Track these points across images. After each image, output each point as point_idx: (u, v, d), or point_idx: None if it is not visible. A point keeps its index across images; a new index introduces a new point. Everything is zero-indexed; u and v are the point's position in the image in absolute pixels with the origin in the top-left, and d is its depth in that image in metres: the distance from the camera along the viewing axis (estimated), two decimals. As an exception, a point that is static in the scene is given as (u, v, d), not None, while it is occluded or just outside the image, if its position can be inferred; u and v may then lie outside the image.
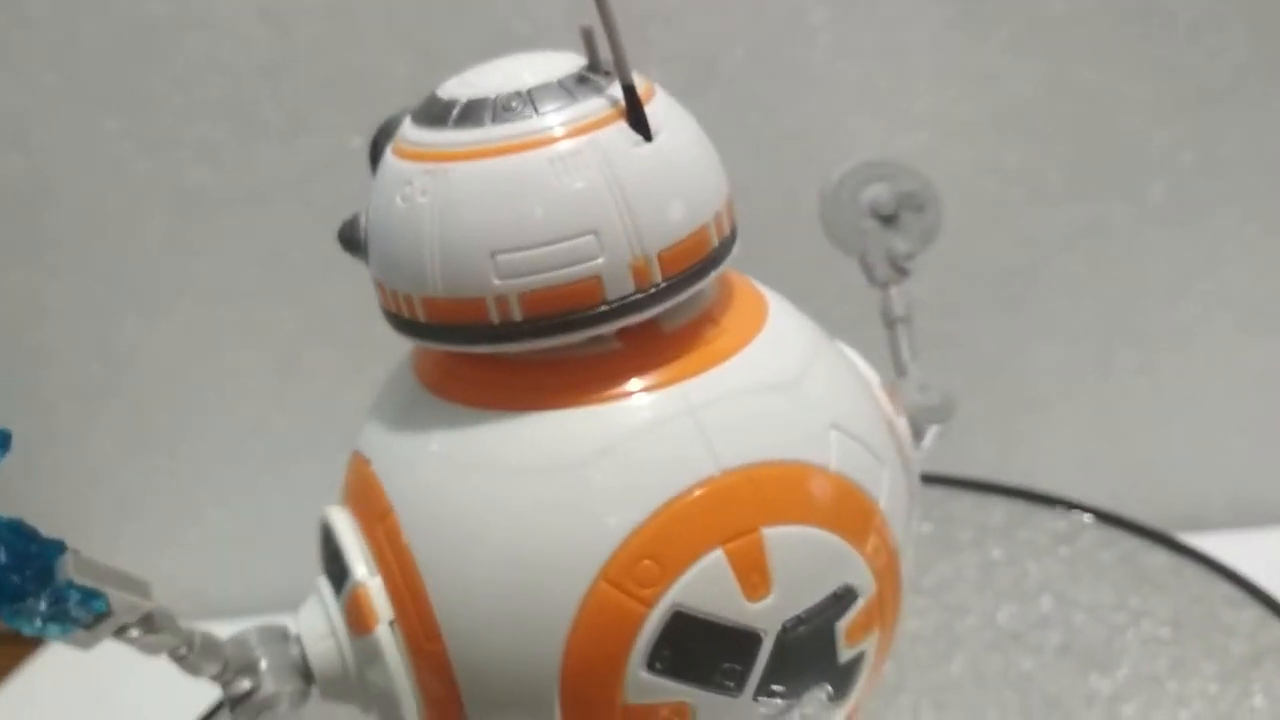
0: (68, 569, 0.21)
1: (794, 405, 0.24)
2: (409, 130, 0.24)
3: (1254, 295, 0.50)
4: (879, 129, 0.47)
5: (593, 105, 0.23)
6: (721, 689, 0.23)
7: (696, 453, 0.23)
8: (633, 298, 0.23)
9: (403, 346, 0.26)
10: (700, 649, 0.23)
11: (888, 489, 0.25)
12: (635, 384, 0.23)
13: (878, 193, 0.32)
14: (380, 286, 0.24)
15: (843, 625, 0.24)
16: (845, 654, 0.24)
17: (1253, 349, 0.51)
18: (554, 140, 0.22)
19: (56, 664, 0.56)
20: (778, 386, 0.24)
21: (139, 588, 0.22)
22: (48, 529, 0.21)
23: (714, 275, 0.24)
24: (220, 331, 0.52)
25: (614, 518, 0.22)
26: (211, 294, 0.52)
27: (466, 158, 0.22)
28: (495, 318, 0.23)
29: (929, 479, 0.30)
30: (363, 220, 0.25)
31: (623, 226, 0.22)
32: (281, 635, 0.25)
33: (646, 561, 0.22)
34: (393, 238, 0.23)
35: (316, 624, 0.25)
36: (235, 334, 0.52)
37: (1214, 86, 0.46)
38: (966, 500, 0.44)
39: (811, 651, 0.24)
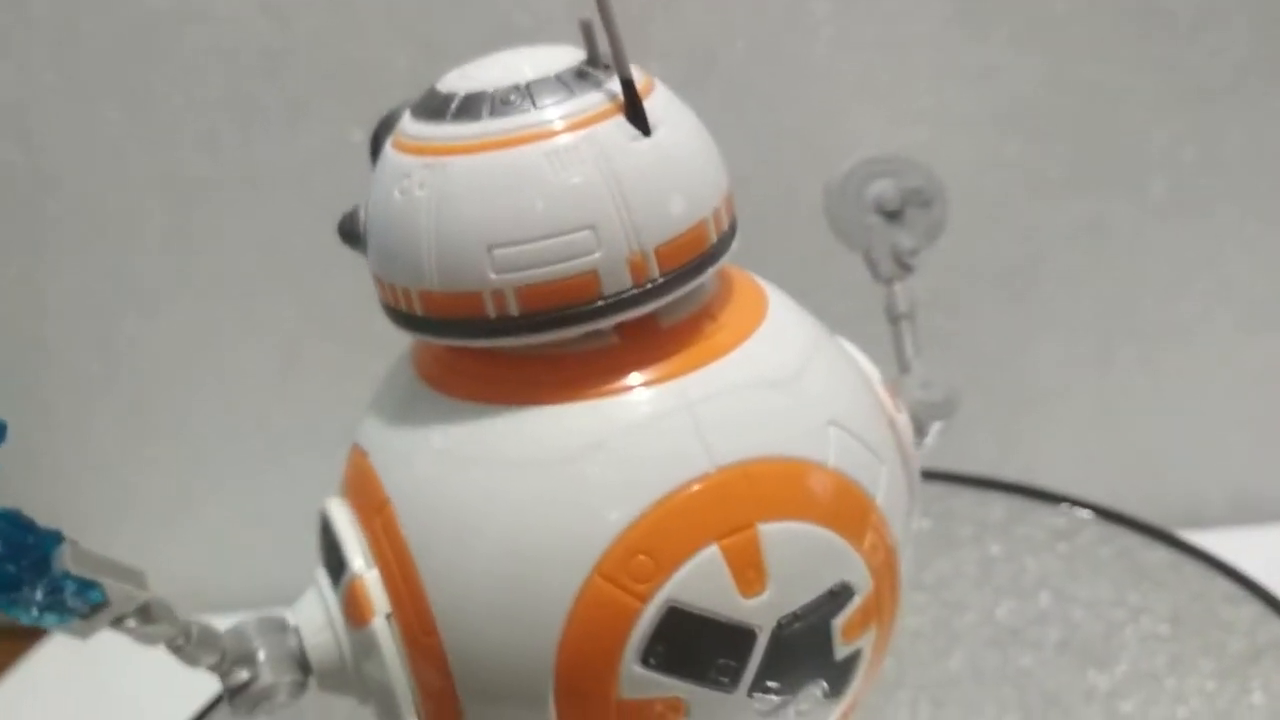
0: (64, 559, 0.21)
1: (792, 401, 0.24)
2: (408, 124, 0.24)
3: (1254, 292, 0.50)
4: (880, 124, 0.47)
5: (591, 99, 0.23)
6: (716, 685, 0.23)
7: (692, 448, 0.23)
8: (630, 293, 0.23)
9: (403, 340, 0.26)
10: (695, 644, 0.23)
11: (886, 486, 0.25)
12: (632, 379, 0.23)
13: (883, 188, 0.32)
14: (379, 280, 0.24)
15: (839, 622, 0.24)
16: (841, 651, 0.24)
17: (1253, 346, 0.51)
18: (551, 134, 0.22)
19: (57, 657, 0.56)
20: (776, 382, 0.24)
21: (135, 578, 0.22)
22: (46, 521, 0.21)
23: (712, 270, 0.24)
24: (220, 324, 0.53)
25: (609, 513, 0.22)
26: (211, 287, 0.52)
27: (464, 151, 0.22)
28: (492, 312, 0.23)
29: (928, 475, 0.30)
30: (362, 213, 0.25)
31: (620, 221, 0.22)
32: (280, 626, 0.25)
33: (641, 556, 0.22)
34: (391, 231, 0.23)
35: (314, 615, 0.25)
36: (235, 327, 0.53)
37: (1215, 84, 0.46)
38: (966, 496, 0.44)
39: (807, 648, 0.24)
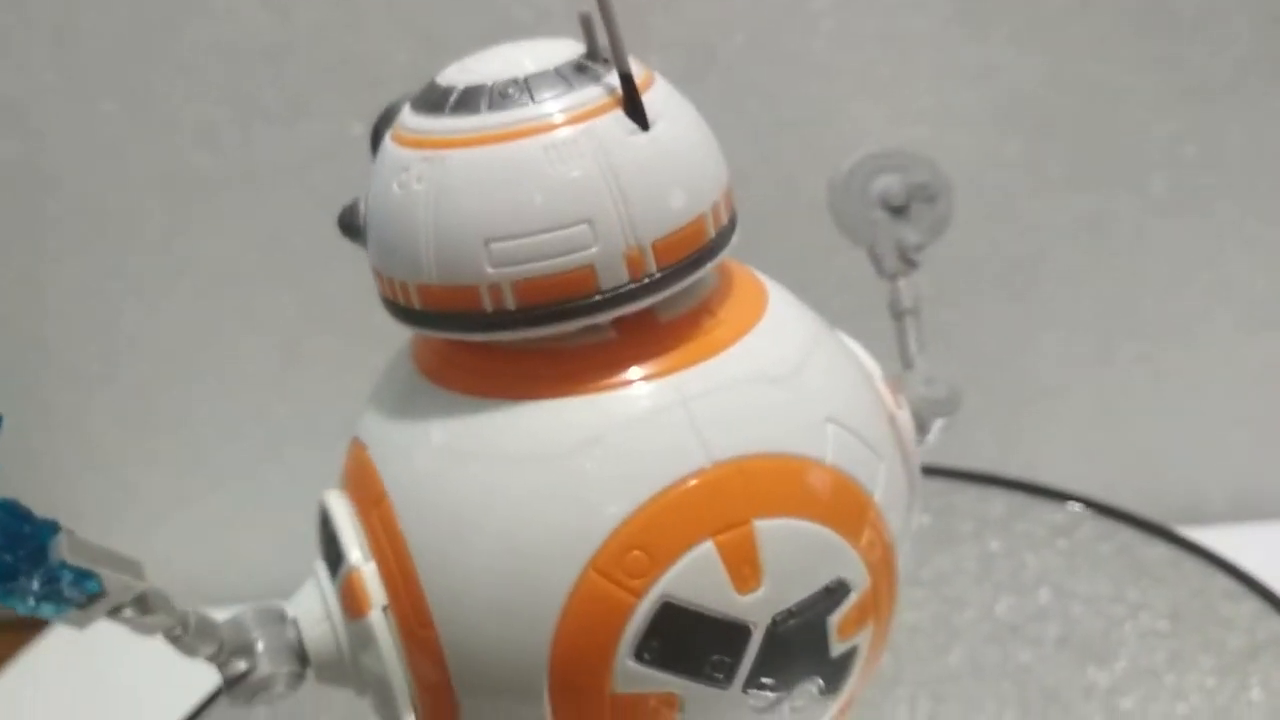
0: (61, 549, 0.21)
1: (790, 397, 0.24)
2: (407, 117, 0.24)
3: (1254, 290, 0.50)
4: (880, 118, 0.47)
5: (590, 93, 0.23)
6: (710, 680, 0.23)
7: (689, 444, 0.23)
8: (627, 288, 0.23)
9: (403, 334, 0.26)
10: (689, 640, 0.23)
11: (884, 483, 0.25)
12: (629, 374, 0.23)
13: (889, 183, 0.32)
14: (378, 273, 0.24)
15: (835, 619, 0.24)
16: (837, 648, 0.24)
17: (1252, 343, 0.50)
18: (549, 128, 0.22)
19: (58, 649, 0.56)
20: (774, 378, 0.24)
21: (132, 568, 0.22)
22: (45, 513, 0.21)
23: (711, 265, 0.24)
24: (220, 318, 0.53)
25: (604, 508, 0.22)
26: (211, 281, 0.52)
27: (462, 145, 0.22)
28: (489, 305, 0.23)
29: (929, 471, 0.30)
30: (362, 206, 0.25)
31: (617, 216, 0.22)
32: (278, 617, 0.26)
33: (636, 552, 0.22)
34: (389, 224, 0.23)
35: (313, 607, 0.25)
36: (235, 321, 0.53)
37: (1215, 82, 0.46)
38: (966, 492, 0.44)
39: (802, 645, 0.24)
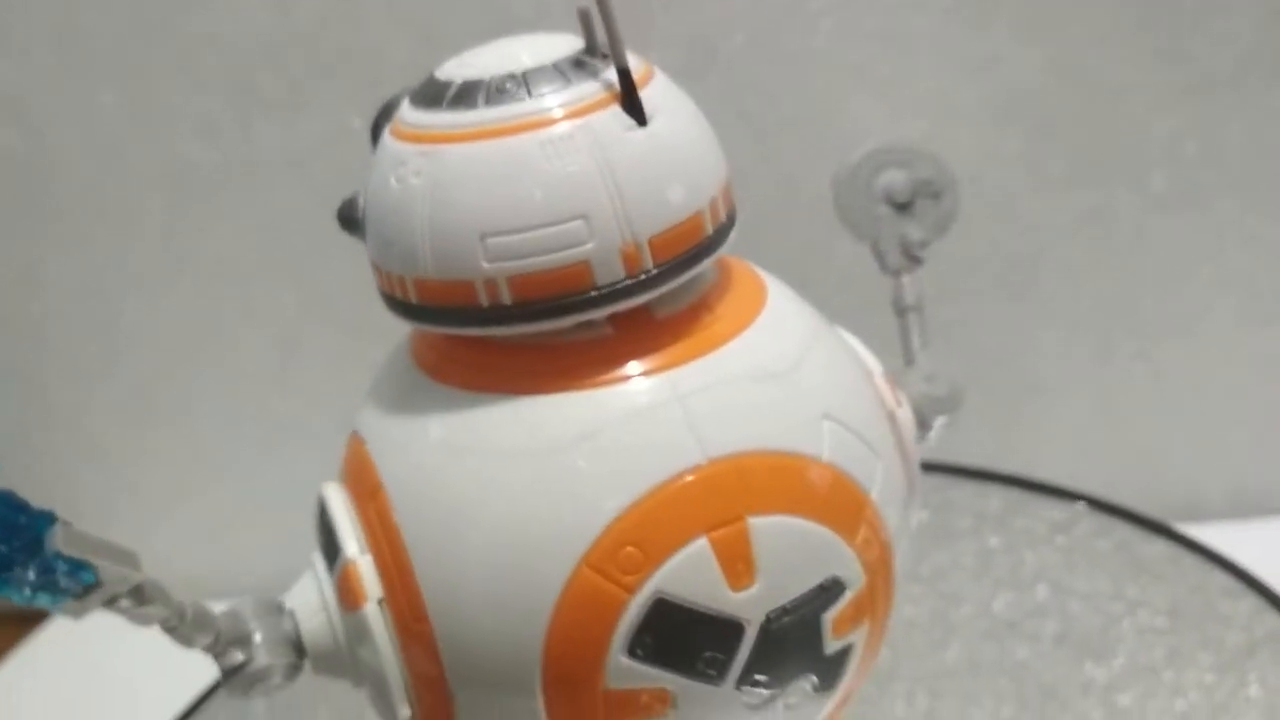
0: (57, 540, 0.21)
1: (786, 394, 0.24)
2: (406, 111, 0.24)
3: (1254, 286, 0.49)
4: (880, 115, 0.46)
5: (587, 89, 0.23)
6: (703, 677, 0.23)
7: (683, 440, 0.23)
8: (623, 283, 0.23)
9: (402, 328, 0.26)
10: (682, 637, 0.22)
11: (882, 481, 0.25)
12: (625, 370, 0.23)
13: (893, 179, 0.32)
14: (376, 267, 0.24)
15: (829, 617, 0.24)
16: (832, 646, 0.24)
17: (1253, 339, 0.50)
18: (546, 123, 0.22)
19: (57, 641, 0.56)
20: (771, 375, 0.24)
21: (129, 559, 0.22)
22: (44, 505, 0.21)
23: (708, 262, 0.24)
24: (219, 311, 0.53)
25: (598, 504, 0.22)
26: (211, 273, 0.52)
27: (459, 139, 0.22)
28: (484, 300, 0.23)
29: (926, 466, 0.29)
30: (361, 200, 0.25)
31: (613, 211, 0.22)
32: (276, 609, 0.26)
33: (629, 548, 0.22)
34: (387, 218, 0.23)
35: (310, 599, 0.25)
36: (234, 314, 0.53)
37: (1217, 76, 0.45)
38: (964, 488, 0.44)
39: (796, 642, 0.24)
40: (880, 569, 0.25)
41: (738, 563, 0.22)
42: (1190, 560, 0.40)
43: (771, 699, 0.24)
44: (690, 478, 0.22)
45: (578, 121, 0.22)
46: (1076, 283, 0.50)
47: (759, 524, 0.23)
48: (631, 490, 0.22)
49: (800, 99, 0.46)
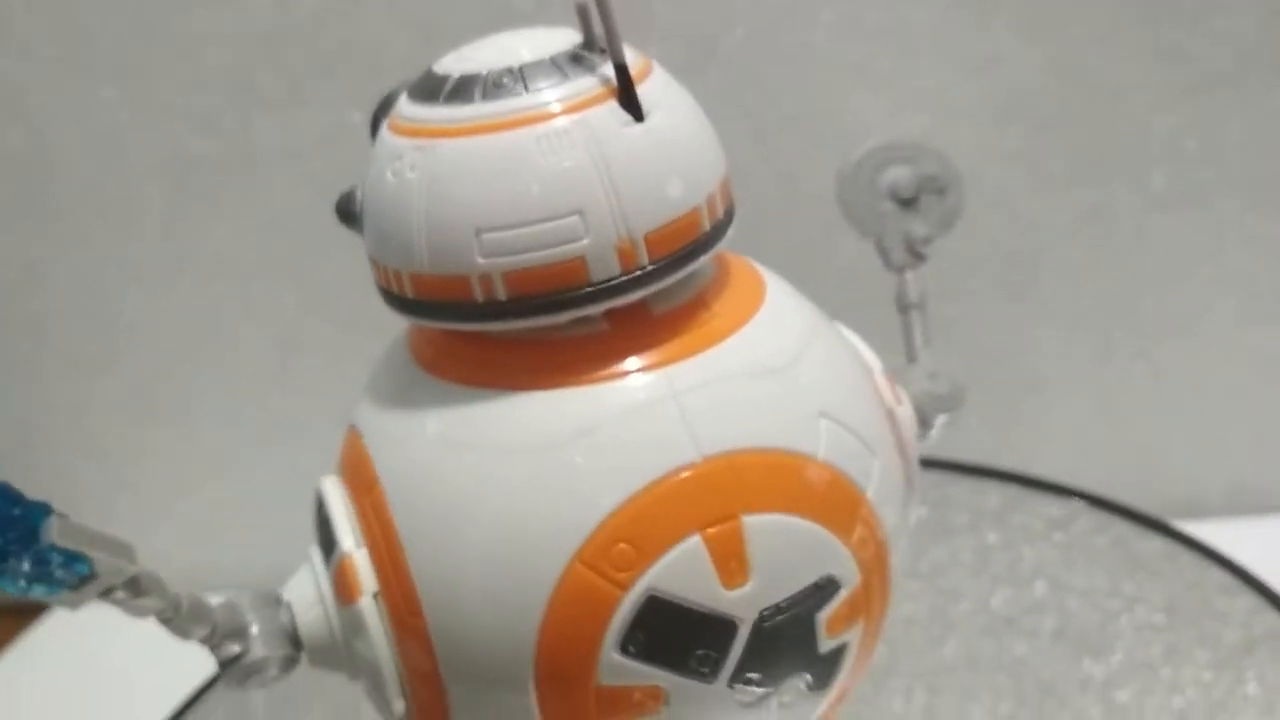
0: (52, 532, 0.21)
1: (783, 391, 0.24)
2: (404, 105, 0.24)
3: (1254, 284, 0.49)
4: (880, 111, 0.46)
5: (585, 83, 0.23)
6: (696, 675, 0.23)
7: (678, 438, 0.22)
8: (618, 280, 0.22)
9: (400, 322, 0.26)
10: (674, 634, 0.22)
11: (879, 479, 0.25)
12: (620, 366, 0.23)
13: (898, 175, 0.31)
14: (374, 261, 0.24)
15: (824, 616, 0.24)
16: (826, 644, 0.24)
17: (1252, 338, 0.50)
18: (542, 118, 0.22)
19: (57, 633, 0.57)
20: (767, 372, 0.24)
21: (125, 551, 0.22)
22: (43, 499, 0.21)
23: (706, 258, 0.24)
24: (219, 306, 0.53)
25: (592, 500, 0.22)
26: (210, 269, 0.52)
27: (455, 134, 0.22)
28: (479, 296, 0.22)
29: (925, 463, 0.29)
30: (359, 194, 0.25)
31: (609, 207, 0.22)
32: (273, 601, 0.26)
33: (623, 545, 0.22)
34: (384, 213, 0.23)
35: (306, 592, 0.25)
36: (234, 309, 0.53)
37: (1217, 74, 0.45)
38: (963, 484, 0.44)
39: (790, 641, 0.24)
40: (876, 568, 0.25)
41: (731, 561, 0.22)
42: (1188, 557, 0.40)
43: (765, 697, 0.24)
44: (685, 475, 0.22)
45: (574, 117, 0.22)
46: (1076, 281, 0.49)
47: (753, 522, 0.23)
48: (626, 487, 0.22)
49: (800, 95, 0.46)
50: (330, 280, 0.50)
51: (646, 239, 0.23)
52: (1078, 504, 0.43)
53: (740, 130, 0.45)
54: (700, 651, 0.23)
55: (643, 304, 0.24)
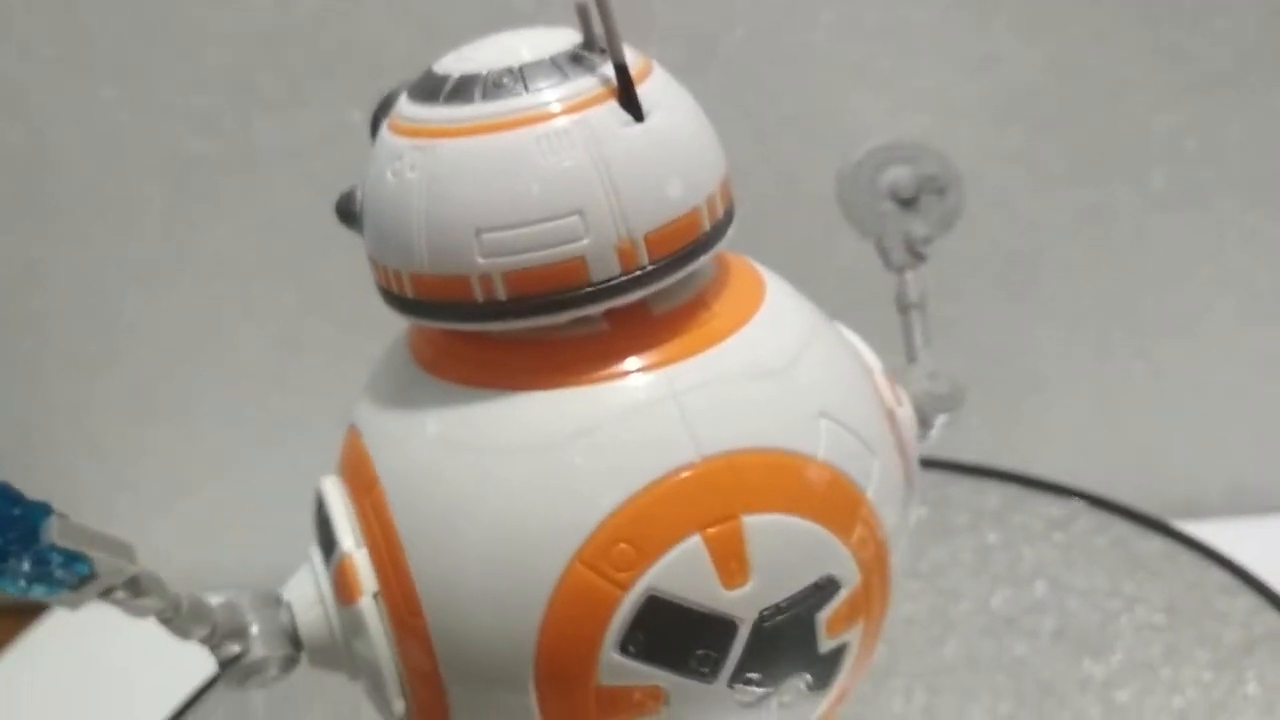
0: (52, 532, 0.21)
1: (783, 391, 0.24)
2: (404, 105, 0.24)
3: (1254, 283, 0.49)
4: (880, 111, 0.46)
5: (584, 83, 0.23)
6: (696, 675, 0.23)
7: (678, 438, 0.22)
8: (618, 280, 0.22)
9: (401, 322, 0.26)
10: (674, 634, 0.22)
11: (878, 479, 0.25)
12: (620, 366, 0.23)
13: (898, 175, 0.32)
14: (374, 261, 0.24)
15: (823, 616, 0.24)
16: (826, 644, 0.24)
17: (1252, 337, 0.50)
18: (542, 118, 0.22)
19: (57, 633, 0.57)
20: (767, 372, 0.24)
21: (124, 551, 0.22)
22: (43, 499, 0.21)
23: (706, 258, 0.24)
24: (219, 305, 0.53)
25: (592, 500, 0.22)
26: (210, 268, 0.52)
27: (455, 134, 0.22)
28: (479, 296, 0.22)
29: (925, 463, 0.29)
30: (359, 194, 0.25)
31: (609, 207, 0.22)
32: (273, 601, 0.26)
33: (623, 545, 0.22)
34: (384, 212, 0.23)
35: (306, 592, 0.25)
36: (234, 308, 0.53)
37: (1217, 73, 0.45)
38: (962, 484, 0.44)
39: (790, 641, 0.24)
40: (876, 568, 0.25)
41: (731, 561, 0.22)
42: (1188, 557, 0.40)
43: (765, 697, 0.24)
44: (685, 475, 0.22)
45: (574, 117, 0.22)
46: (1076, 281, 0.49)
47: (753, 522, 0.23)
48: (625, 487, 0.22)
49: (800, 95, 0.46)
50: (330, 280, 0.50)
51: (646, 239, 0.23)
52: (1078, 504, 0.43)
53: (740, 130, 0.45)
54: (700, 651, 0.23)
55: (643, 304, 0.24)
